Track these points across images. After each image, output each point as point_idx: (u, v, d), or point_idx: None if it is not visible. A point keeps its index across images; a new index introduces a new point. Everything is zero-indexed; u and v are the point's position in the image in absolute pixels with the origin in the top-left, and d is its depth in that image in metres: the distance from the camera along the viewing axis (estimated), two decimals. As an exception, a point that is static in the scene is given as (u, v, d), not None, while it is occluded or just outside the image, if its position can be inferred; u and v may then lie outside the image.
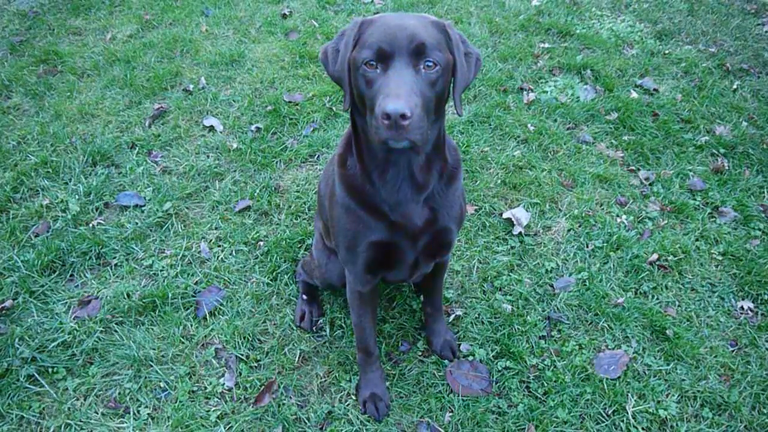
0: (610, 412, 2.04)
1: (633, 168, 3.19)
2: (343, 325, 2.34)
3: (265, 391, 2.08)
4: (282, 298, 2.44)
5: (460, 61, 1.51)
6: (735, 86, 3.89)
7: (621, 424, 2.01)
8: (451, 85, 1.53)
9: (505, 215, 2.80)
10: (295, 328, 2.32)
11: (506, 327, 2.31)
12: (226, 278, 2.50)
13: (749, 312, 2.42)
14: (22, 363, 2.14)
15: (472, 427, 1.99)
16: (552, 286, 2.51)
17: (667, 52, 4.29)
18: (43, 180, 2.98)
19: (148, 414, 2.02)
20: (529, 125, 3.42)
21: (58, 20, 4.56)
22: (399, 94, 1.31)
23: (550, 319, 2.37)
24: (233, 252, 2.63)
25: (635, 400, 2.07)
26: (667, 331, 2.29)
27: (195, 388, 2.11)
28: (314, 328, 2.33)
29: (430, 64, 1.41)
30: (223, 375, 2.15)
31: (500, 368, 2.17)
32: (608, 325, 2.34)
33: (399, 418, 2.03)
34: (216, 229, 2.75)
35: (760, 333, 2.33)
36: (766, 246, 2.71)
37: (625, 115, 3.51)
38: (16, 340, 2.21)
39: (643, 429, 1.99)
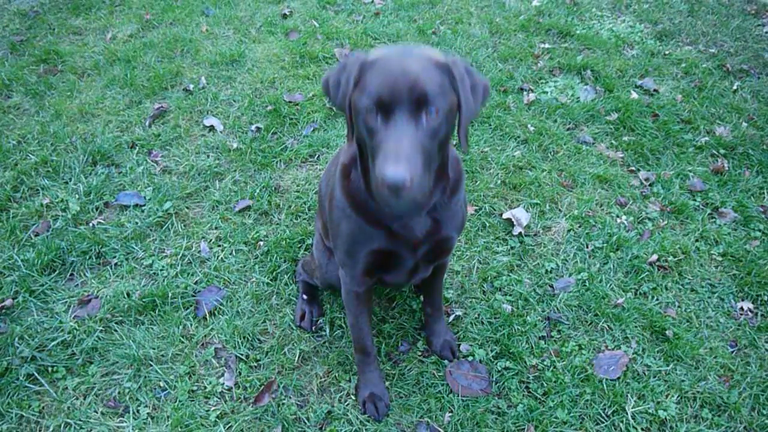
0: (609, 413, 2.04)
1: (633, 168, 3.19)
2: (342, 325, 2.34)
3: (265, 390, 2.08)
4: (282, 298, 2.44)
5: (465, 99, 1.46)
6: (735, 87, 3.89)
7: (620, 424, 2.01)
8: (456, 121, 1.49)
9: (505, 215, 2.81)
10: (294, 327, 2.32)
11: (506, 327, 2.31)
12: (226, 278, 2.51)
13: (749, 313, 2.42)
14: (21, 362, 2.14)
15: (472, 428, 1.99)
16: (552, 286, 2.51)
17: (667, 52, 4.29)
18: (43, 179, 2.98)
19: (147, 413, 2.02)
20: (529, 125, 3.42)
21: (59, 20, 4.56)
22: (399, 157, 1.28)
23: (549, 320, 2.37)
24: (233, 252, 2.63)
25: (635, 401, 2.07)
26: (667, 332, 2.29)
27: (195, 388, 2.11)
28: (314, 327, 2.33)
29: (433, 112, 1.36)
30: (222, 374, 2.15)
31: (500, 368, 2.17)
32: (608, 325, 2.34)
33: (399, 418, 2.03)
34: (216, 228, 2.75)
35: (760, 334, 2.33)
36: (766, 247, 2.71)
37: (625, 116, 3.51)
38: (16, 339, 2.21)
39: (642, 429, 1.99)
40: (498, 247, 2.68)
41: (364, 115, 1.39)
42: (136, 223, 2.73)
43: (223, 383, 2.12)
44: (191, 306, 2.39)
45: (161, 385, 2.11)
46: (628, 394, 2.09)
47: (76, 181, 2.96)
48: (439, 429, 2.00)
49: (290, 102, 3.57)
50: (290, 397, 2.08)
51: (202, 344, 2.26)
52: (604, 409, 2.05)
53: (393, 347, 2.28)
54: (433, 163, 1.45)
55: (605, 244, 2.68)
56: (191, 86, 3.73)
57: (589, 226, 2.79)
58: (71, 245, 2.59)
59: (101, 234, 2.67)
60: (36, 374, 2.12)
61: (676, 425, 2.01)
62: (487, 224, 2.79)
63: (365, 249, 1.70)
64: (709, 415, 2.04)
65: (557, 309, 2.41)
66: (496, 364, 2.19)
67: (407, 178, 1.26)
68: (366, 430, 1.99)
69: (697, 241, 2.74)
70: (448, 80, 1.43)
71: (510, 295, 2.47)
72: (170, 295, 2.39)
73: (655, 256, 2.62)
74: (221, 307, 2.39)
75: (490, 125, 3.42)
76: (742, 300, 2.48)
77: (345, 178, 1.69)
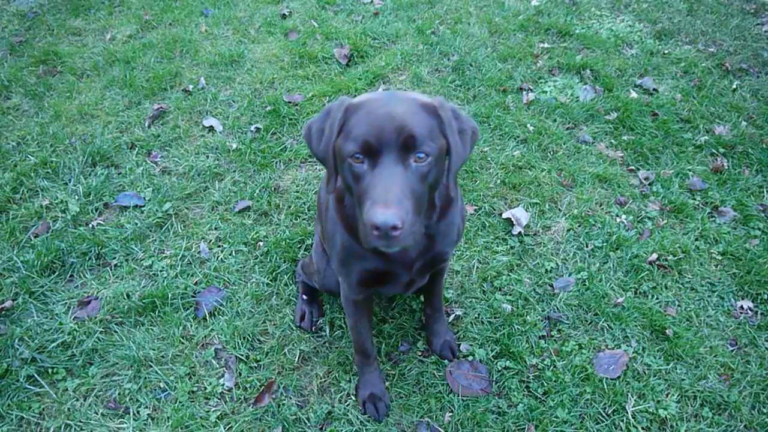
0: (609, 412, 2.04)
1: (632, 168, 3.19)
2: (342, 325, 2.34)
3: (265, 391, 2.08)
4: (282, 299, 2.44)
5: (454, 143, 1.41)
6: (734, 86, 3.89)
7: (621, 423, 2.01)
8: (446, 164, 1.45)
9: (504, 215, 2.80)
10: (294, 328, 2.32)
11: (506, 327, 2.31)
12: (225, 278, 2.50)
13: (749, 311, 2.42)
14: (21, 363, 2.14)
15: (472, 427, 1.99)
16: (552, 285, 2.51)
17: (666, 51, 4.29)
18: (42, 180, 2.98)
19: (147, 414, 2.02)
20: (528, 125, 3.42)
21: (58, 21, 4.56)
22: (388, 201, 1.23)
23: (549, 319, 2.37)
24: (233, 252, 2.63)
25: (635, 400, 2.07)
26: (667, 331, 2.29)
27: (195, 389, 2.11)
28: (314, 328, 2.33)
29: (422, 156, 1.32)
30: (222, 375, 2.15)
31: (500, 368, 2.17)
32: (608, 324, 2.34)
33: (399, 418, 2.03)
34: (216, 229, 2.75)
35: (760, 332, 2.33)
36: (766, 245, 2.71)
37: (624, 115, 3.51)
38: (16, 340, 2.21)
39: (642, 429, 1.99)
40: (498, 246, 2.68)
41: (350, 160, 1.34)
42: (136, 224, 2.73)
43: (223, 384, 2.12)
44: (191, 307, 2.39)
45: (161, 386, 2.11)
46: (629, 393, 2.09)
47: (75, 182, 2.96)
48: (440, 429, 2.00)
49: (290, 102, 3.57)
50: (290, 398, 2.08)
51: (202, 345, 2.26)
52: (605, 408, 2.05)
53: (393, 347, 2.28)
54: (424, 207, 1.39)
55: (605, 244, 2.68)
56: (190, 87, 3.72)
57: (589, 225, 2.79)
58: (71, 246, 2.58)
59: (101, 235, 2.67)
60: (36, 376, 2.12)
61: (677, 424, 2.01)
62: (487, 224, 2.79)
63: (358, 266, 1.70)
64: (710, 414, 2.04)
65: (557, 308, 2.41)
66: (496, 363, 2.19)
67: (398, 222, 1.21)
68: (366, 430, 1.99)
69: (696, 240, 2.74)
70: (436, 124, 1.39)
71: (510, 294, 2.47)
72: (170, 296, 2.39)
73: (654, 255, 2.62)
74: (221, 307, 2.39)
75: (490, 125, 3.42)
76: (742, 299, 2.48)
77: (339, 202, 1.66)
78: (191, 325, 2.32)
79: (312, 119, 1.54)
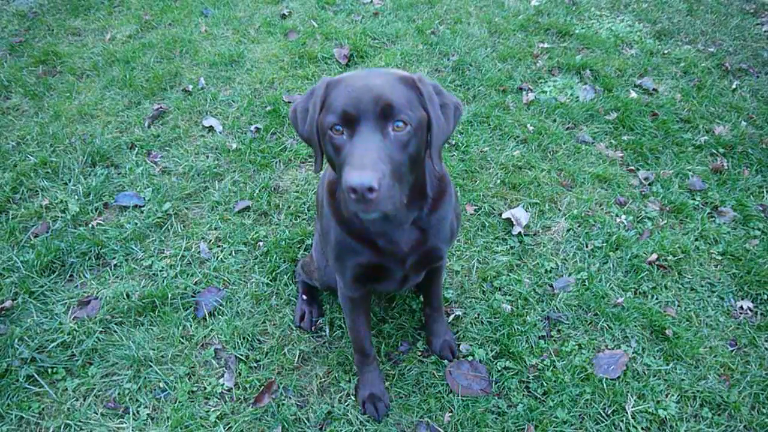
0: (609, 412, 2.04)
1: (632, 168, 3.19)
2: (342, 325, 2.34)
3: (265, 391, 2.08)
4: (281, 299, 2.44)
5: (435, 116, 1.42)
6: (734, 86, 3.89)
7: (620, 424, 2.01)
8: (428, 138, 1.45)
9: (504, 215, 2.80)
10: (294, 328, 2.32)
11: (506, 327, 2.31)
12: (225, 278, 2.50)
13: (748, 312, 2.42)
14: (21, 363, 2.14)
15: (472, 427, 1.99)
16: (551, 286, 2.51)
17: (666, 51, 4.29)
18: (42, 180, 2.98)
19: (147, 414, 2.02)
20: (528, 125, 3.42)
21: (58, 21, 4.56)
22: (364, 164, 1.24)
23: (549, 319, 2.37)
24: (233, 252, 2.63)
25: (635, 400, 2.07)
26: (667, 331, 2.29)
27: (194, 389, 2.11)
28: (314, 328, 2.33)
29: (400, 125, 1.33)
30: (222, 375, 2.15)
31: (500, 368, 2.17)
32: (608, 325, 2.34)
33: (398, 418, 2.03)
34: (215, 229, 2.75)
35: (760, 333, 2.33)
36: (766, 246, 2.71)
37: (624, 115, 3.51)
38: (16, 340, 2.21)
39: (642, 429, 1.99)
40: (497, 246, 2.68)
41: (330, 133, 1.36)
42: (136, 224, 2.73)
43: (223, 384, 2.12)
44: (191, 307, 2.39)
45: (161, 386, 2.11)
46: (628, 394, 2.09)
47: (75, 182, 2.96)
48: (439, 429, 2.00)
49: (289, 102, 3.57)
50: (290, 398, 2.08)
51: (202, 345, 2.26)
52: (604, 408, 2.05)
53: (393, 347, 2.28)
54: (406, 178, 1.40)
55: (605, 244, 2.68)
56: (190, 87, 3.72)
57: (589, 225, 2.79)
58: (71, 246, 2.58)
59: (101, 235, 2.67)
60: (36, 375, 2.12)
61: (676, 424, 2.01)
62: (487, 224, 2.79)
63: (352, 261, 1.71)
64: (709, 414, 2.04)
65: (557, 308, 2.41)
66: (496, 363, 2.19)
67: (373, 183, 1.21)
68: (366, 430, 1.99)
69: (696, 240, 2.74)
70: (415, 95, 1.40)
71: (510, 294, 2.47)
72: (170, 295, 2.39)
73: (654, 256, 2.62)
74: (221, 307, 2.39)
75: (490, 125, 3.42)
76: (742, 299, 2.48)
77: (331, 195, 1.68)
78: (191, 325, 2.32)
79: (296, 101, 1.56)
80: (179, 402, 2.05)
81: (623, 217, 2.85)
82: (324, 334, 2.32)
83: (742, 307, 2.43)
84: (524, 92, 3.75)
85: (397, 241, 1.64)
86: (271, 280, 2.50)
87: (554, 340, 2.29)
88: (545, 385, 2.12)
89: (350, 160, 1.27)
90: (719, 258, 2.65)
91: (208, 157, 3.17)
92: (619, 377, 2.14)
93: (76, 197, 2.87)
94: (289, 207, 2.87)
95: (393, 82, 1.38)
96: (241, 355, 2.21)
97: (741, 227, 2.83)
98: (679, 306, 2.45)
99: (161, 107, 3.52)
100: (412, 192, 1.54)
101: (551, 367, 2.17)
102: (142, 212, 2.81)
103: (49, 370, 2.14)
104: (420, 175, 1.57)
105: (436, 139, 1.44)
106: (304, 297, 2.36)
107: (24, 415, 2.01)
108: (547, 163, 3.18)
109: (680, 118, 3.56)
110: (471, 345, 2.26)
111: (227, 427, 1.98)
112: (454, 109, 1.51)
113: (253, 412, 2.02)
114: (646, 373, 2.18)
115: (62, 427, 1.99)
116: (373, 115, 1.31)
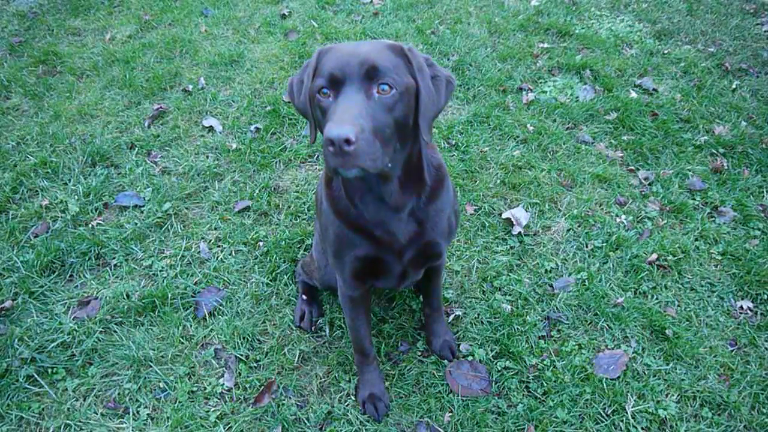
0: (609, 412, 2.04)
1: (632, 168, 3.19)
2: (342, 325, 2.34)
3: (265, 391, 2.08)
4: (281, 299, 2.44)
5: (425, 86, 1.42)
6: (734, 86, 3.89)
7: (620, 423, 2.01)
8: (418, 111, 1.45)
9: (504, 215, 2.80)
10: (294, 328, 2.32)
11: (506, 327, 2.31)
12: (225, 278, 2.50)
13: (748, 311, 2.42)
14: (21, 363, 2.14)
15: (472, 427, 1.99)
16: (551, 286, 2.51)
17: (666, 51, 4.29)
18: (42, 180, 2.98)
19: (147, 414, 2.02)
20: (528, 125, 3.42)
21: (58, 21, 4.56)
22: (343, 119, 1.24)
23: (549, 319, 2.37)
24: (233, 252, 2.63)
25: (635, 400, 2.07)
26: (667, 331, 2.29)
27: (194, 389, 2.11)
28: (314, 328, 2.33)
29: (385, 87, 1.34)
30: (222, 375, 2.15)
31: (500, 368, 2.17)
32: (608, 324, 2.34)
33: (398, 418, 2.03)
34: (215, 229, 2.75)
35: (760, 333, 2.33)
36: (766, 246, 2.71)
37: (624, 115, 3.51)
38: (16, 340, 2.21)
39: (642, 429, 1.99)
40: (497, 246, 2.68)
41: (318, 96, 1.38)
42: (136, 224, 2.73)
43: (223, 384, 2.12)
44: (191, 307, 2.39)
45: (161, 386, 2.11)
46: (628, 394, 2.09)
47: (75, 182, 2.96)
48: (439, 429, 2.00)
49: (289, 102, 3.57)
50: (290, 398, 2.08)
51: (202, 345, 2.26)
52: (604, 408, 2.05)
53: (393, 347, 2.28)
54: (391, 142, 1.39)
55: (605, 244, 2.68)
56: (190, 87, 3.72)
57: (589, 225, 2.79)
58: (71, 246, 2.58)
59: (101, 235, 2.67)
60: (36, 376, 2.12)
61: (676, 424, 2.01)
62: (487, 224, 2.79)
63: (350, 254, 1.71)
64: (709, 414, 2.04)
65: (557, 308, 2.41)
66: (496, 363, 2.19)
67: (350, 135, 1.21)
68: (366, 430, 1.99)
69: (696, 240, 2.74)
70: (403, 63, 1.41)
71: (510, 294, 2.47)
72: (170, 295, 2.39)
73: (654, 255, 2.62)
74: (221, 307, 2.39)
75: (490, 125, 3.42)
76: (742, 299, 2.48)
77: (327, 186, 1.69)
78: (191, 325, 2.32)
79: (293, 76, 1.58)
80: (179, 402, 2.05)
81: (623, 217, 2.85)
82: (324, 334, 2.32)
83: (742, 307, 2.43)
84: (524, 92, 3.75)
85: (394, 232, 1.65)
86: (271, 280, 2.50)
87: (554, 340, 2.29)
88: (545, 385, 2.12)
89: (331, 117, 1.29)
90: (719, 258, 2.65)
91: (208, 157, 3.17)
92: (619, 377, 2.14)
93: (76, 197, 2.87)
94: (289, 207, 2.87)
95: (381, 48, 1.41)
96: (241, 355, 2.21)
97: (741, 227, 2.83)
98: (679, 306, 2.45)
99: (161, 107, 3.52)
100: (407, 174, 1.55)
101: (551, 367, 2.17)
102: (142, 212, 2.81)
103: (49, 370, 2.14)
104: (415, 155, 1.57)
105: (425, 109, 1.44)
106: (304, 297, 2.36)
107: (24, 415, 2.01)
108: (547, 163, 3.18)
109: (680, 118, 3.56)
110: (471, 345, 2.26)
111: (227, 427, 1.98)
112: (446, 83, 1.52)
113: (253, 412, 2.02)
114: (646, 373, 2.18)
115: (62, 427, 1.99)
116: (358, 77, 1.33)
